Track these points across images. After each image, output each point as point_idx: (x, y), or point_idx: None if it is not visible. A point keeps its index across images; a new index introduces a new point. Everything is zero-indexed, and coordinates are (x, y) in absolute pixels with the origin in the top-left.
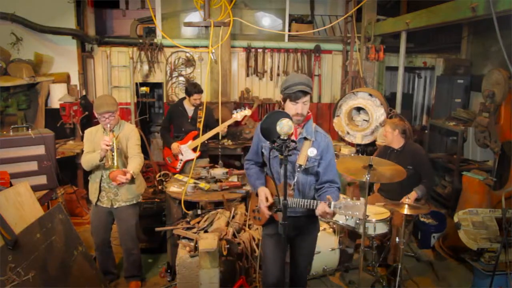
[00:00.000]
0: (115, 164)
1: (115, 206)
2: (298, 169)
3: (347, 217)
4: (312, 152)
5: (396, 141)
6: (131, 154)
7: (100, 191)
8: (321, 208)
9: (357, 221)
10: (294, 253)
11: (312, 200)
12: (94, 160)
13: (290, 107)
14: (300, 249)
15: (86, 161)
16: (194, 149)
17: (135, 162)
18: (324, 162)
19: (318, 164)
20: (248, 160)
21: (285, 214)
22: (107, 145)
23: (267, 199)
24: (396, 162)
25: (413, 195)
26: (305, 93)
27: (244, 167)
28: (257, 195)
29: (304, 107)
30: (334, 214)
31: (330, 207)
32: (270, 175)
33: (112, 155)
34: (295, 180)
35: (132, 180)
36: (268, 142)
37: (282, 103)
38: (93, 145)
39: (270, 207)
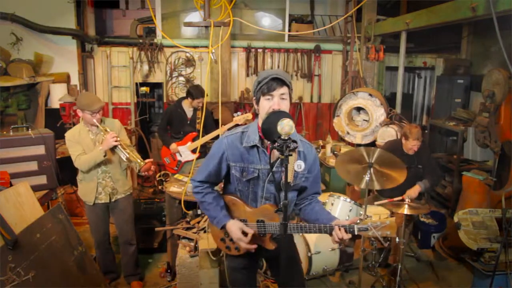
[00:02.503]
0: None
1: (113, 200)
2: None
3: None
4: (299, 166)
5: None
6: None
7: (97, 188)
8: (339, 235)
9: (357, 221)
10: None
11: (322, 225)
12: (98, 157)
13: (264, 105)
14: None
15: (86, 161)
16: (193, 151)
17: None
18: (312, 176)
19: (305, 179)
20: (201, 182)
21: (285, 214)
22: (116, 140)
23: (245, 234)
24: (407, 163)
25: (416, 188)
26: (281, 82)
27: (195, 192)
28: (222, 228)
29: (282, 103)
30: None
31: (353, 231)
32: (241, 198)
33: (122, 149)
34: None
35: (123, 174)
36: (237, 162)
37: (256, 106)
38: (81, 146)
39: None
